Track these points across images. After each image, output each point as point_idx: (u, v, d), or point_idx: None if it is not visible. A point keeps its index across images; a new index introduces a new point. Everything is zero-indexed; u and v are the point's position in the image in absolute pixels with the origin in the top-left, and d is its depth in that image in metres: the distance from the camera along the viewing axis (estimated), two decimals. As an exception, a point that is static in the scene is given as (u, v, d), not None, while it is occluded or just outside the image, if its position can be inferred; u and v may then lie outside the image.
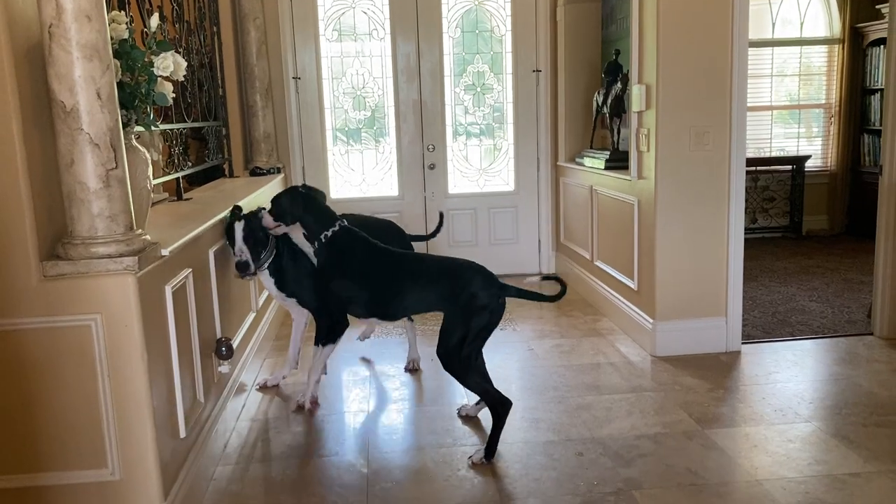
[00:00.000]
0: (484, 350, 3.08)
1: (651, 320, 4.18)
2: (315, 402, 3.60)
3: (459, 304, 2.96)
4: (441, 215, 4.40)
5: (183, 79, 2.58)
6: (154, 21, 2.50)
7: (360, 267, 3.24)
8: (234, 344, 3.41)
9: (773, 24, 7.46)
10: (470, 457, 2.97)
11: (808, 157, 7.54)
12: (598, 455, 2.97)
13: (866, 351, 4.10)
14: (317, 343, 3.58)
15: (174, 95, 2.67)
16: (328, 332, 3.55)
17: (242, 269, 3.38)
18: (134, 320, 2.21)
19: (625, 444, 3.07)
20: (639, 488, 2.71)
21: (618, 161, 4.79)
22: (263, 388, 3.86)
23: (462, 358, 2.96)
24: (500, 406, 3.01)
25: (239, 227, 3.41)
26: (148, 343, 2.25)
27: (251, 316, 4.03)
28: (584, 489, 2.71)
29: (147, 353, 2.24)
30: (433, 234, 4.37)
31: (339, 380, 3.98)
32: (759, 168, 7.33)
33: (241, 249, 3.38)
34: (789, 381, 3.71)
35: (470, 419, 3.39)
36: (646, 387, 3.69)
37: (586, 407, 3.46)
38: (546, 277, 3.27)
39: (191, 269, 2.78)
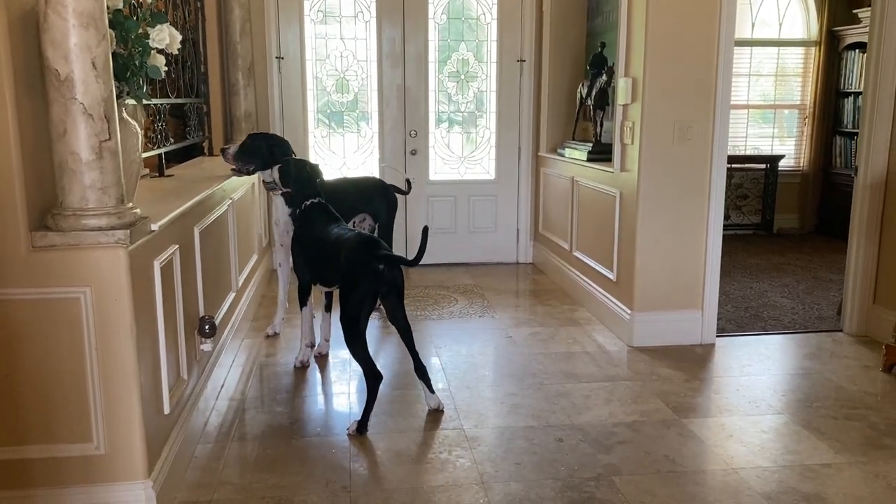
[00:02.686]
0: (463, 335, 3.13)
1: (629, 311, 4.24)
2: (306, 365, 3.88)
3: (346, 273, 3.21)
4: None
5: (177, 52, 2.54)
6: (150, -8, 2.46)
7: (312, 236, 3.57)
8: (216, 322, 3.39)
9: (753, 25, 7.56)
10: (347, 428, 3.13)
11: (781, 156, 7.67)
12: (577, 441, 3.02)
13: (835, 347, 4.20)
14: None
15: (166, 69, 2.63)
16: (299, 295, 3.96)
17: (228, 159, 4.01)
18: (124, 294, 2.19)
19: (604, 430, 3.12)
20: (618, 474, 2.75)
21: (600, 153, 4.84)
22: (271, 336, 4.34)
23: (350, 322, 3.12)
24: (372, 379, 3.17)
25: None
26: (136, 317, 2.24)
27: (231, 295, 4.00)
28: (565, 474, 2.75)
29: (135, 326, 2.23)
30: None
31: (314, 362, 3.97)
32: (733, 166, 7.44)
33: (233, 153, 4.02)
34: (762, 374, 3.79)
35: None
36: (623, 376, 3.75)
37: (565, 394, 3.51)
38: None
39: (178, 246, 2.75)
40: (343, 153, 6.08)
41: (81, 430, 2.23)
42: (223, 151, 4.07)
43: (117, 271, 2.17)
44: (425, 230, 3.17)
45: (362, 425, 3.10)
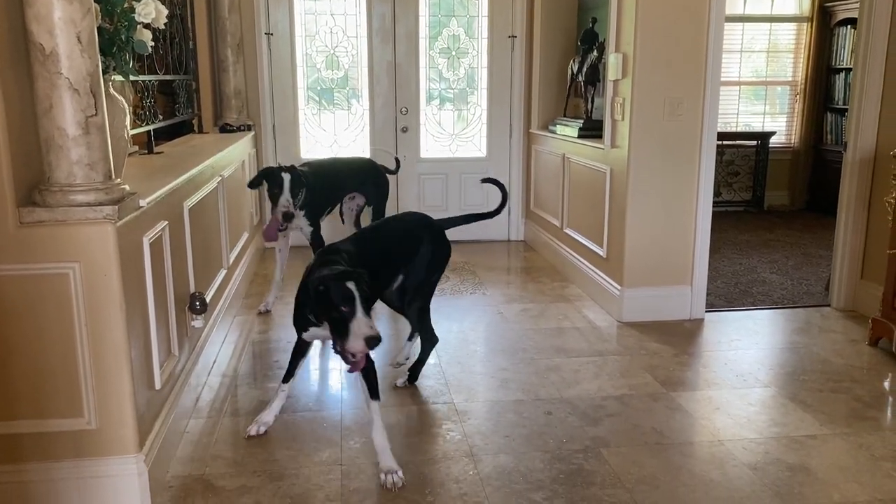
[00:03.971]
0: (454, 312, 3.21)
1: (619, 287, 4.26)
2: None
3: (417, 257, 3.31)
4: (397, 160, 5.08)
5: (164, 26, 2.52)
6: (135, -34, 2.43)
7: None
8: (207, 299, 3.39)
9: (745, 0, 7.53)
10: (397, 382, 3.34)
11: (772, 133, 7.68)
12: (566, 414, 3.05)
13: (823, 321, 4.24)
14: None
15: (153, 44, 2.62)
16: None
17: (288, 219, 3.85)
18: (113, 270, 2.19)
19: (592, 404, 3.15)
20: (606, 446, 2.79)
21: (591, 130, 4.83)
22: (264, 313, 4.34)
23: (427, 304, 3.30)
24: (431, 342, 3.35)
25: (287, 178, 3.83)
26: (126, 292, 2.24)
27: (222, 273, 4.00)
28: (553, 446, 2.78)
29: (125, 302, 2.23)
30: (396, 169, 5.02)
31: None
32: (725, 142, 7.44)
33: (288, 200, 3.83)
34: (750, 349, 3.82)
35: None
36: (612, 350, 3.78)
37: (555, 368, 3.53)
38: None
39: (167, 222, 2.75)
40: (334, 130, 6.06)
41: (72, 405, 2.24)
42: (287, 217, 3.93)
43: (106, 247, 2.17)
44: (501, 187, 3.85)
45: (414, 376, 3.36)
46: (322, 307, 2.50)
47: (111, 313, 2.21)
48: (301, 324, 2.83)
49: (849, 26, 7.07)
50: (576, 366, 3.57)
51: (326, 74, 5.98)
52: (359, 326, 2.37)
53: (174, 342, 2.85)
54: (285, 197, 3.83)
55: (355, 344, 2.37)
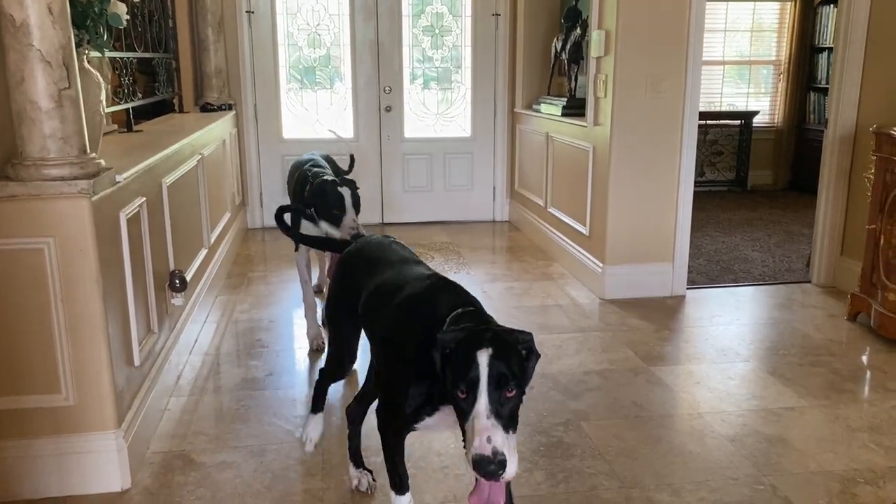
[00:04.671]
0: None
1: (601, 265, 4.27)
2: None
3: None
4: (352, 157, 4.35)
5: (140, 1, 2.49)
6: (107, -64, 2.39)
7: None
8: (188, 278, 3.37)
9: (729, -21, 7.52)
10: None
11: (756, 112, 7.70)
12: (548, 389, 3.06)
13: (804, 297, 4.27)
14: None
15: (128, 17, 2.58)
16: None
17: (356, 237, 2.76)
18: (89, 244, 2.17)
19: (573, 379, 3.17)
20: (586, 419, 2.81)
21: (574, 108, 4.82)
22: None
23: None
24: None
25: (347, 193, 3.05)
26: (102, 268, 2.22)
27: (203, 252, 3.98)
28: (535, 420, 2.80)
29: (101, 278, 2.21)
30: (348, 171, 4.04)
31: (290, 316, 3.98)
32: (708, 122, 7.46)
33: (354, 220, 3.04)
34: (731, 324, 3.85)
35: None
36: (594, 327, 3.79)
37: (538, 345, 3.54)
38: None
39: (145, 199, 2.73)
40: (316, 110, 6.01)
41: (49, 381, 2.23)
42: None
43: (81, 222, 2.15)
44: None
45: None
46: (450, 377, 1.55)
47: (87, 289, 2.19)
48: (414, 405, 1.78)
49: (831, 6, 7.07)
50: (558, 342, 3.59)
51: (308, 53, 5.93)
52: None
53: (154, 319, 2.83)
54: (350, 217, 3.05)
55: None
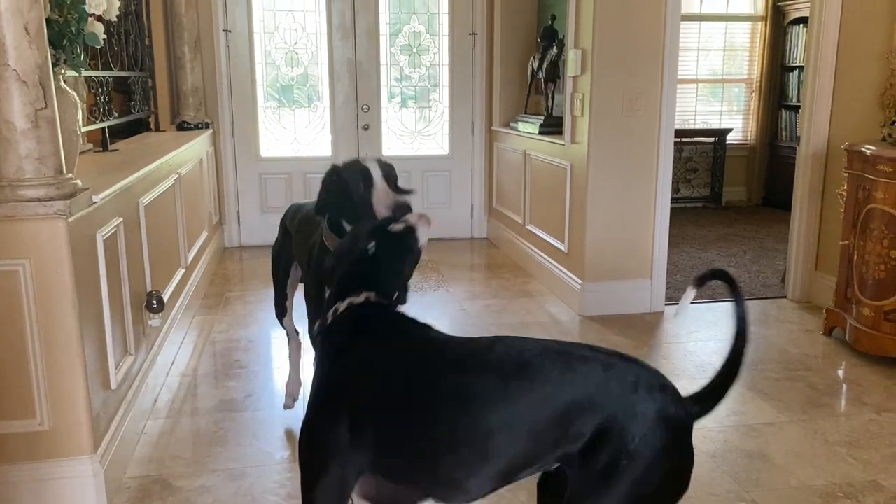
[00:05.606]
0: (417, 309, 2.47)
1: (580, 281, 4.29)
2: None
3: None
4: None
5: (116, 19, 2.47)
6: (85, -44, 2.38)
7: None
8: (165, 298, 3.33)
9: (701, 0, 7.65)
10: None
11: (729, 130, 7.81)
12: (529, 408, 3.06)
13: (779, 312, 4.32)
14: None
15: (105, 37, 2.56)
16: None
17: (404, 209, 2.14)
18: (64, 266, 2.14)
19: (555, 397, 3.16)
20: (569, 438, 2.80)
21: (551, 126, 4.86)
22: None
23: None
24: None
25: (374, 165, 2.27)
26: (79, 290, 2.19)
27: (180, 272, 3.94)
28: (517, 439, 2.79)
29: (78, 300, 2.18)
30: None
31: (268, 336, 3.94)
32: (683, 139, 7.55)
33: (388, 192, 2.24)
34: (709, 340, 3.88)
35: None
36: (575, 344, 3.80)
37: (518, 363, 3.54)
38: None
39: (122, 219, 2.70)
40: (294, 128, 6.00)
41: (24, 405, 2.18)
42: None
43: (57, 243, 2.12)
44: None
45: None
46: None
47: (63, 311, 2.16)
48: None
49: (801, 25, 7.22)
50: (538, 360, 3.59)
51: (286, 72, 5.92)
52: None
53: (130, 341, 2.79)
54: (383, 188, 2.24)
55: None
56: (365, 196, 2.21)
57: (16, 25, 2.02)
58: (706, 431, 2.85)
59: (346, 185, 2.25)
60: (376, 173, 2.24)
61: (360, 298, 1.63)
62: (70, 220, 2.14)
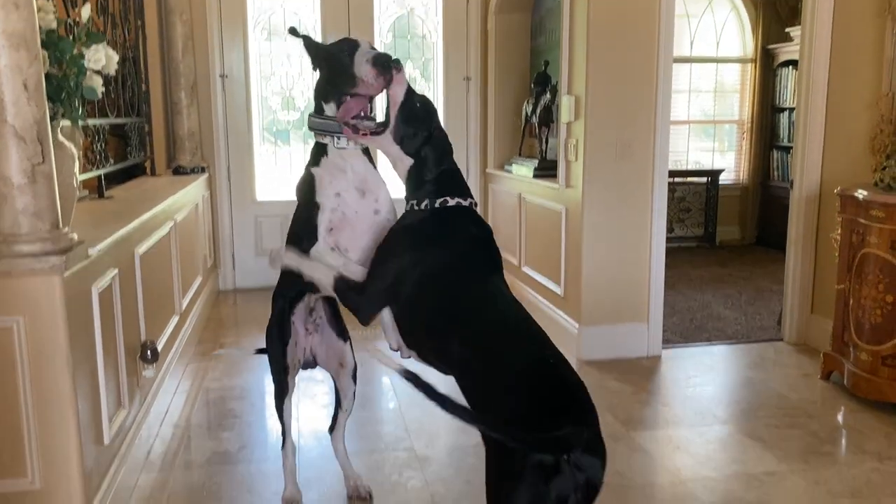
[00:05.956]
0: (414, 359, 2.63)
1: (577, 325, 4.28)
2: None
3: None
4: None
5: (115, 73, 2.49)
6: (86, 12, 2.41)
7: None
8: (159, 347, 3.30)
9: (692, 42, 7.77)
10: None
11: (721, 170, 7.87)
12: (528, 458, 3.02)
13: (776, 356, 4.31)
14: None
15: (104, 89, 2.57)
16: None
17: (385, 62, 2.07)
18: (59, 323, 2.12)
19: (554, 446, 3.13)
20: (568, 490, 2.76)
21: (546, 170, 4.89)
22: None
23: None
24: None
25: (365, 43, 2.17)
26: (73, 346, 2.16)
27: (175, 319, 3.91)
28: (516, 491, 2.75)
29: (72, 355, 2.15)
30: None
31: (262, 384, 3.90)
32: (676, 179, 7.60)
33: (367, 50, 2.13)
34: (707, 385, 3.86)
35: (402, 424, 3.39)
36: (572, 391, 3.77)
37: (516, 410, 3.51)
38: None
39: (118, 270, 2.68)
40: (290, 171, 6.02)
41: (15, 464, 2.14)
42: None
43: (52, 299, 2.10)
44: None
45: None
46: None
47: (57, 368, 2.13)
48: None
49: (790, 67, 7.33)
50: (536, 407, 3.55)
51: (282, 116, 5.96)
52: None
53: (124, 394, 2.76)
54: (366, 46, 2.14)
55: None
56: (347, 61, 2.11)
57: (15, 82, 2.02)
58: (707, 482, 2.82)
59: (329, 53, 2.19)
60: (360, 39, 2.21)
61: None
62: (66, 275, 2.12)
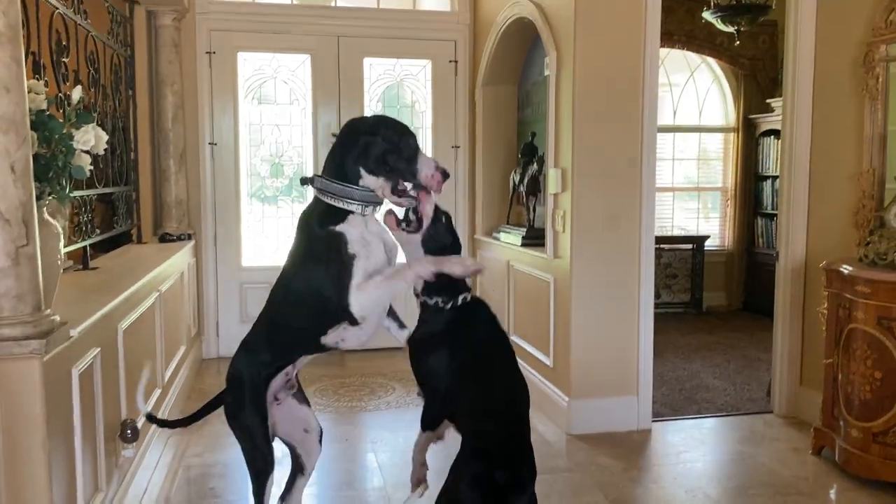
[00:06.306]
0: (400, 426, 2.83)
1: (566, 398, 4.23)
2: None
3: None
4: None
5: (103, 152, 2.49)
6: (76, 94, 2.42)
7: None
8: (139, 424, 3.22)
9: (675, 112, 7.93)
10: None
11: (707, 236, 7.94)
12: (517, 541, 2.94)
13: (766, 429, 4.27)
14: None
15: (91, 167, 2.57)
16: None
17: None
18: (37, 407, 2.07)
19: (543, 528, 3.05)
20: (559, 576, 2.69)
21: (534, 238, 4.91)
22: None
23: None
24: None
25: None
26: (49, 431, 2.11)
27: (157, 393, 3.84)
28: (505, 578, 2.66)
29: (49, 441, 2.09)
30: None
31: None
32: (662, 246, 7.65)
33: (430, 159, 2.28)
34: (698, 461, 3.81)
35: None
36: (562, 467, 3.71)
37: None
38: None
39: (99, 349, 2.64)
40: (277, 238, 6.01)
41: (-16, 557, 2.06)
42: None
43: (31, 384, 2.05)
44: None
45: None
46: None
47: (32, 455, 2.07)
48: None
49: (772, 137, 7.47)
50: (525, 484, 3.48)
51: (270, 182, 5.99)
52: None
53: (101, 476, 2.68)
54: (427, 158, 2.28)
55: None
56: (415, 151, 2.24)
57: (2, 165, 2.02)
58: (701, 567, 2.75)
59: (404, 131, 2.27)
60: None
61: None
62: (45, 358, 2.08)
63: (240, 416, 2.44)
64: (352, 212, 2.24)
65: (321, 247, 2.26)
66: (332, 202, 2.25)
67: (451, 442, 2.37)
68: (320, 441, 2.63)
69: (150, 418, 2.74)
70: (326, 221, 2.25)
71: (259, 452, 2.45)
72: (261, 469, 2.46)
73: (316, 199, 2.31)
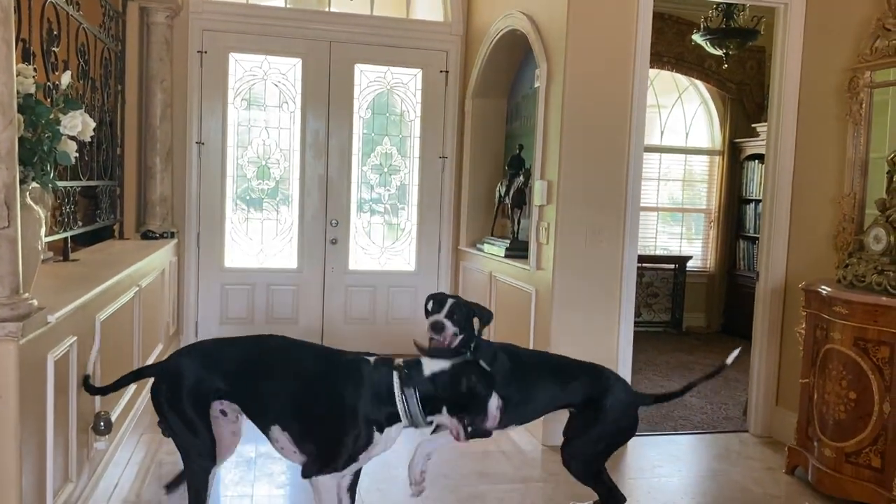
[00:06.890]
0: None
1: (543, 409, 4.23)
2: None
3: None
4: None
5: (90, 139, 2.48)
6: (66, 79, 2.41)
7: None
8: (113, 417, 3.19)
9: (662, 133, 8.01)
10: None
11: (689, 257, 8.01)
12: (489, 548, 2.94)
13: (741, 448, 4.29)
14: None
15: (77, 154, 2.56)
16: None
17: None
18: (10, 392, 2.04)
19: (516, 536, 3.05)
20: (530, 584, 2.68)
21: (517, 250, 4.93)
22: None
23: None
24: None
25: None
26: (22, 417, 2.08)
27: (132, 387, 3.79)
28: (476, 584, 2.66)
29: (20, 427, 2.07)
30: None
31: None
32: (645, 265, 7.69)
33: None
34: (672, 476, 3.82)
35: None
36: (536, 477, 3.71)
37: (479, 497, 3.43)
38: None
39: (76, 338, 2.61)
40: (261, 239, 6.00)
41: (-52, 542, 2.03)
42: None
43: (5, 367, 2.03)
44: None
45: None
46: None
47: (4, 441, 2.04)
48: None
49: (756, 161, 7.57)
50: (500, 493, 3.48)
51: (257, 185, 5.98)
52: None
53: (72, 467, 2.64)
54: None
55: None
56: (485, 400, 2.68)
57: (-13, 146, 2.01)
58: (671, 580, 2.75)
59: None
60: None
61: None
62: (21, 342, 2.06)
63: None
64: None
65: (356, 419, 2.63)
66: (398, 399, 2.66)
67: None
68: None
69: (86, 381, 2.78)
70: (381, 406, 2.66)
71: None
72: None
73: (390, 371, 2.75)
